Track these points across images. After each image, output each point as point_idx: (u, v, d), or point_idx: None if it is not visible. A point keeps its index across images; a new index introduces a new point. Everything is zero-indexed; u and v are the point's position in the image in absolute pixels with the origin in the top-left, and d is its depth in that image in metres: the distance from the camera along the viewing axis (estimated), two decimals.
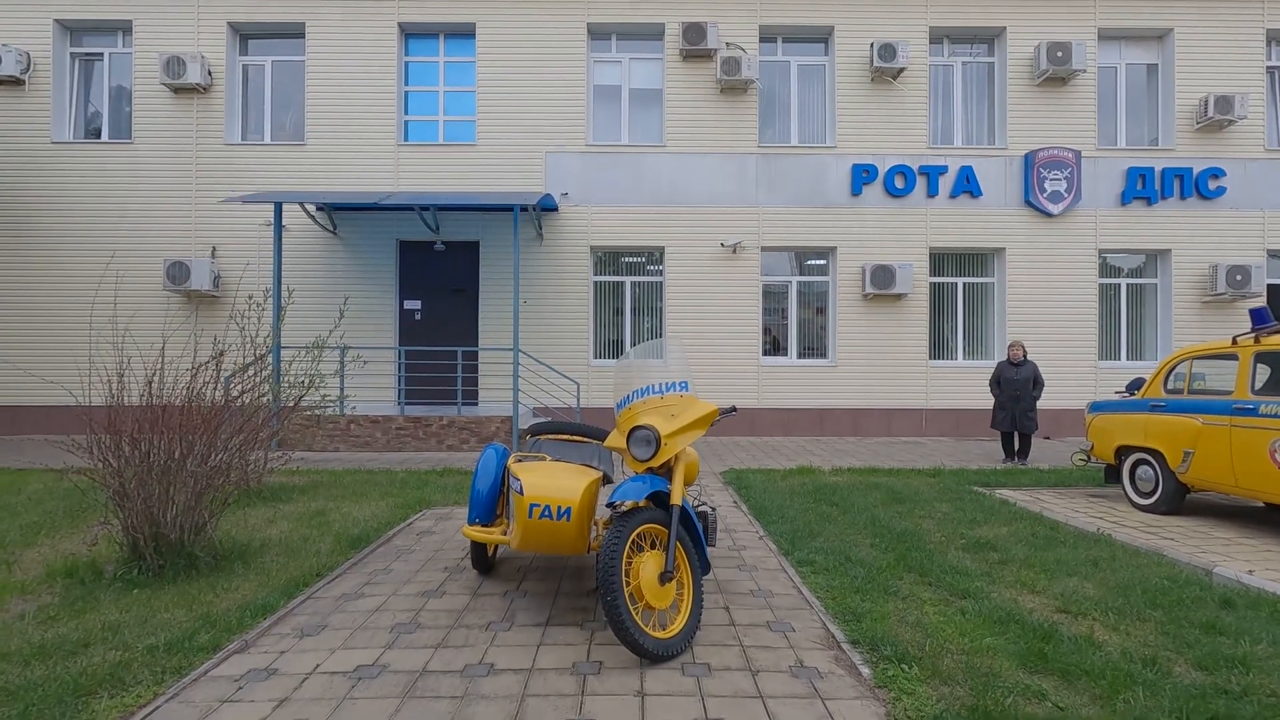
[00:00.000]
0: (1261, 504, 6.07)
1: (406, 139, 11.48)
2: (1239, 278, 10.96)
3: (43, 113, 11.14)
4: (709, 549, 3.81)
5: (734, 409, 3.67)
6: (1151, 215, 11.45)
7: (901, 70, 11.22)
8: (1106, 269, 11.73)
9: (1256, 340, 5.13)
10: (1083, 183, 11.37)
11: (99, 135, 11.49)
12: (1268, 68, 11.67)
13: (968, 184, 11.38)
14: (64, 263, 11.01)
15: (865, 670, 2.90)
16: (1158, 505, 5.76)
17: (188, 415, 4.35)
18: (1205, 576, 4.12)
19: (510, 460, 3.98)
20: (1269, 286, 11.57)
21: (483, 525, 3.97)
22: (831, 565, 4.31)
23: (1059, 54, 11.01)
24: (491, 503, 4.01)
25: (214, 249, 11.06)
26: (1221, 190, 11.37)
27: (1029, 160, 11.35)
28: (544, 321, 11.24)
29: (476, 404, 11.01)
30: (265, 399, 5.92)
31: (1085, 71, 11.34)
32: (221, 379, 4.90)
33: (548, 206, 10.96)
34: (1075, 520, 5.51)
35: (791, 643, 3.20)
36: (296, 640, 3.20)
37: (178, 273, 10.59)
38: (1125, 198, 11.40)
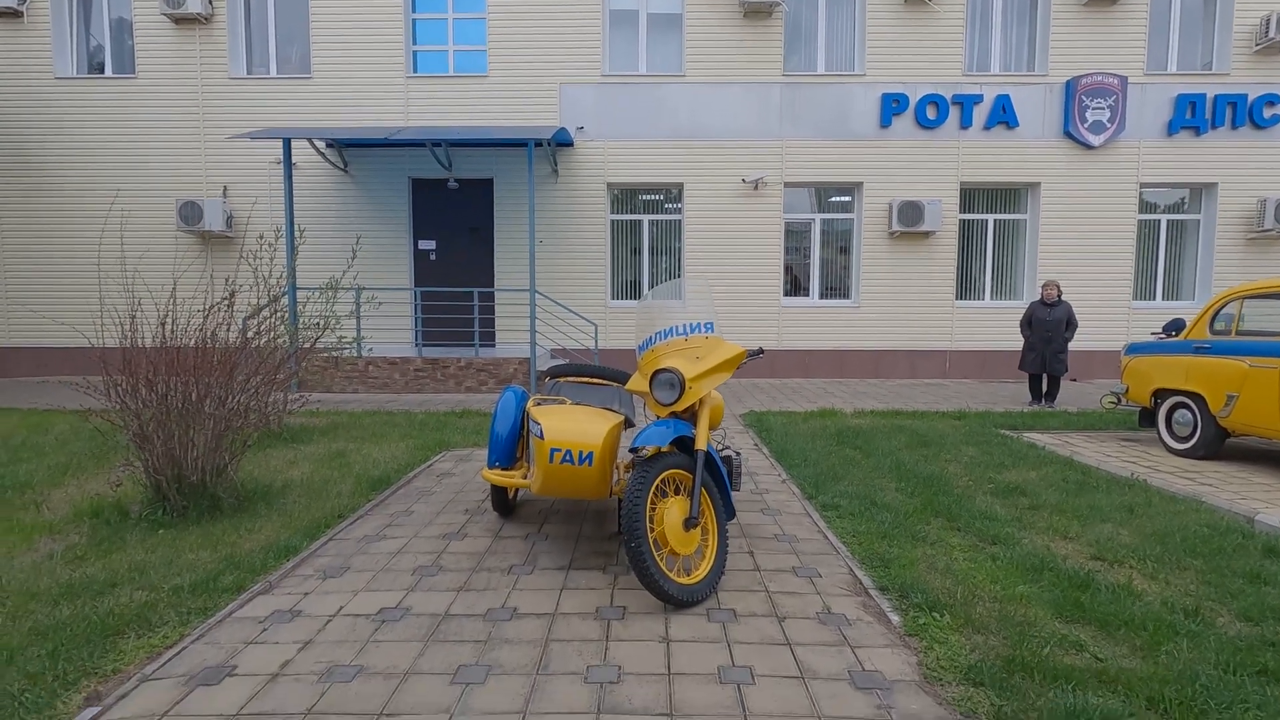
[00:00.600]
0: None
1: (415, 70, 11.04)
2: None
3: (43, 46, 10.82)
4: (733, 494, 3.73)
5: (761, 351, 3.52)
6: (1199, 146, 10.82)
7: None
8: (1145, 205, 11.19)
9: None
10: (1127, 111, 10.73)
11: (102, 70, 11.17)
12: None
13: (1004, 114, 10.78)
14: (74, 203, 10.90)
15: (895, 618, 2.84)
16: (1195, 450, 5.59)
17: (203, 357, 4.28)
18: (1247, 524, 3.99)
19: (529, 403, 3.89)
20: None
21: (503, 469, 3.92)
22: (856, 510, 4.23)
23: None
24: (511, 446, 3.95)
25: (225, 188, 10.87)
26: (1277, 119, 10.69)
27: (1070, 87, 10.70)
28: (560, 261, 11.02)
29: (494, 345, 10.94)
30: (282, 340, 5.86)
31: None
32: (235, 320, 4.82)
33: (563, 141, 10.58)
34: (1107, 465, 5.37)
35: (818, 588, 3.14)
36: (320, 582, 3.20)
37: (190, 213, 10.45)
38: (1172, 127, 10.76)
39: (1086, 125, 10.74)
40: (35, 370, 11.00)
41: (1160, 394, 6.01)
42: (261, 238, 7.17)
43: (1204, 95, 10.69)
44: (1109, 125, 10.73)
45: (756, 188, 10.91)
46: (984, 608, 2.90)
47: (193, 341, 4.37)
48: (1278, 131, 10.74)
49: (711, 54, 10.82)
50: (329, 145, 10.50)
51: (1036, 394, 8.56)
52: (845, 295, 11.39)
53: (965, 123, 10.83)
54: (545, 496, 4.10)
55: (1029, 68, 11.05)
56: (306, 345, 7.05)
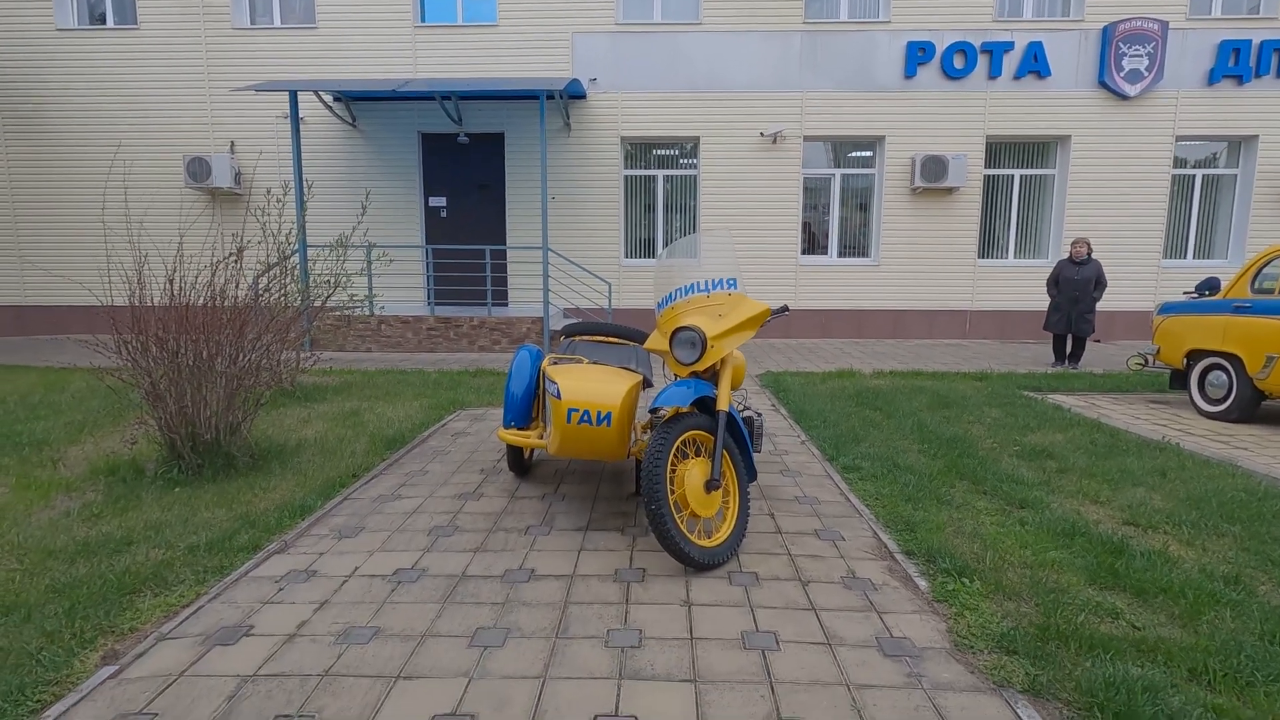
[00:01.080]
0: None
1: (423, 19, 10.68)
2: None
3: None
4: (754, 455, 3.64)
5: (786, 309, 3.38)
6: (1241, 96, 10.32)
7: None
8: (1178, 159, 10.75)
9: None
10: (1166, 59, 10.22)
11: (104, 21, 10.90)
12: None
13: (1035, 63, 10.31)
14: (81, 160, 10.76)
15: (922, 583, 2.76)
16: (1229, 412, 5.43)
17: (212, 315, 4.20)
18: None
19: (545, 362, 3.79)
20: None
21: (519, 429, 3.84)
22: (878, 472, 4.13)
23: None
24: (527, 406, 3.86)
25: (232, 144, 10.68)
26: None
27: (1107, 33, 10.18)
28: (573, 219, 10.80)
29: (506, 305, 10.83)
30: (293, 298, 5.78)
31: None
32: (245, 277, 4.73)
33: (575, 94, 10.26)
34: (1137, 427, 5.23)
35: (842, 552, 3.06)
36: (335, 542, 3.17)
37: (199, 170, 10.29)
38: (1214, 76, 10.26)
39: (1123, 74, 10.25)
40: (51, 328, 11.04)
41: (1194, 355, 5.82)
42: (270, 193, 7.04)
43: (1249, 41, 10.15)
44: (1146, 74, 10.24)
45: (775, 141, 10.58)
46: (1014, 574, 2.81)
47: (202, 299, 4.29)
48: None
49: (730, 1, 10.36)
50: (336, 99, 10.25)
51: (1060, 355, 8.35)
52: (864, 254, 11.13)
53: (994, 72, 10.38)
54: (562, 457, 4.04)
55: (1064, 12, 10.52)
56: (318, 303, 6.98)
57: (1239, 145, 10.68)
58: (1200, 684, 2.10)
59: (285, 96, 10.09)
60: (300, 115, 9.89)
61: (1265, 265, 5.37)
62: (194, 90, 10.64)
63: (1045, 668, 2.16)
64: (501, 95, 10.09)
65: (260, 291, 5.07)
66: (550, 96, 9.37)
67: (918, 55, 10.34)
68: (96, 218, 10.68)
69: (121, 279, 4.24)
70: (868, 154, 10.93)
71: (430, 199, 10.99)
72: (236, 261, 4.59)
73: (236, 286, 4.54)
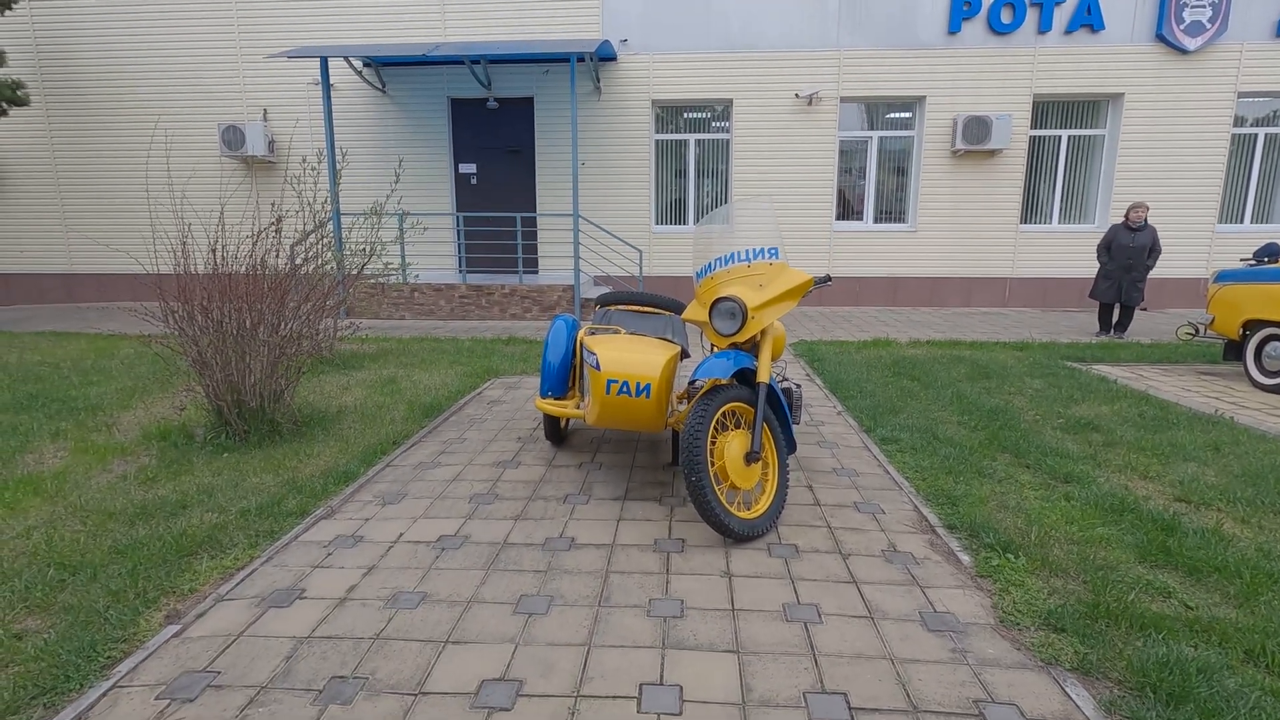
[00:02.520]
0: None
1: None
2: None
3: None
4: (793, 426, 3.61)
5: (829, 278, 3.31)
6: None
7: None
8: (1240, 118, 10.19)
9: None
10: (1232, 10, 9.62)
11: None
12: None
13: (1088, 15, 9.79)
14: (120, 129, 10.91)
15: (965, 558, 2.73)
16: None
17: (254, 284, 4.27)
18: None
19: (582, 332, 3.79)
20: None
21: (555, 398, 3.86)
22: (918, 444, 4.08)
23: None
24: (563, 376, 3.87)
25: (265, 112, 10.72)
26: None
27: None
28: (603, 185, 10.68)
29: (537, 272, 10.82)
30: (330, 267, 5.84)
31: None
32: (284, 246, 4.78)
33: (605, 56, 10.05)
34: (1187, 400, 5.06)
35: (882, 525, 3.04)
36: (379, 508, 3.24)
37: (233, 138, 10.37)
38: None
39: (1183, 27, 9.69)
40: (99, 295, 11.35)
41: (1251, 325, 5.58)
42: (304, 160, 7.07)
43: None
44: (1209, 26, 9.66)
45: (810, 103, 10.27)
46: (1061, 550, 2.77)
47: (243, 268, 4.35)
48: None
49: None
50: (366, 64, 10.20)
51: (1105, 324, 8.09)
52: (901, 219, 10.84)
53: (1044, 26, 9.88)
54: (599, 428, 4.05)
55: None
56: (354, 272, 7.05)
57: None
58: (1258, 666, 2.06)
59: (316, 63, 10.07)
60: (331, 82, 9.86)
61: None
62: (227, 58, 10.66)
63: (1095, 646, 2.13)
64: (531, 59, 9.94)
65: (299, 261, 5.12)
66: (580, 59, 9.21)
67: (963, 9, 9.89)
68: (137, 186, 10.88)
69: (165, 247, 4.32)
70: (907, 115, 10.56)
71: (460, 165, 10.95)
72: (276, 231, 4.63)
73: (276, 256, 4.59)
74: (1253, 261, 6.02)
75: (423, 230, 8.41)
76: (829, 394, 5.39)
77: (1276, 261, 5.75)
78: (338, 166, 7.69)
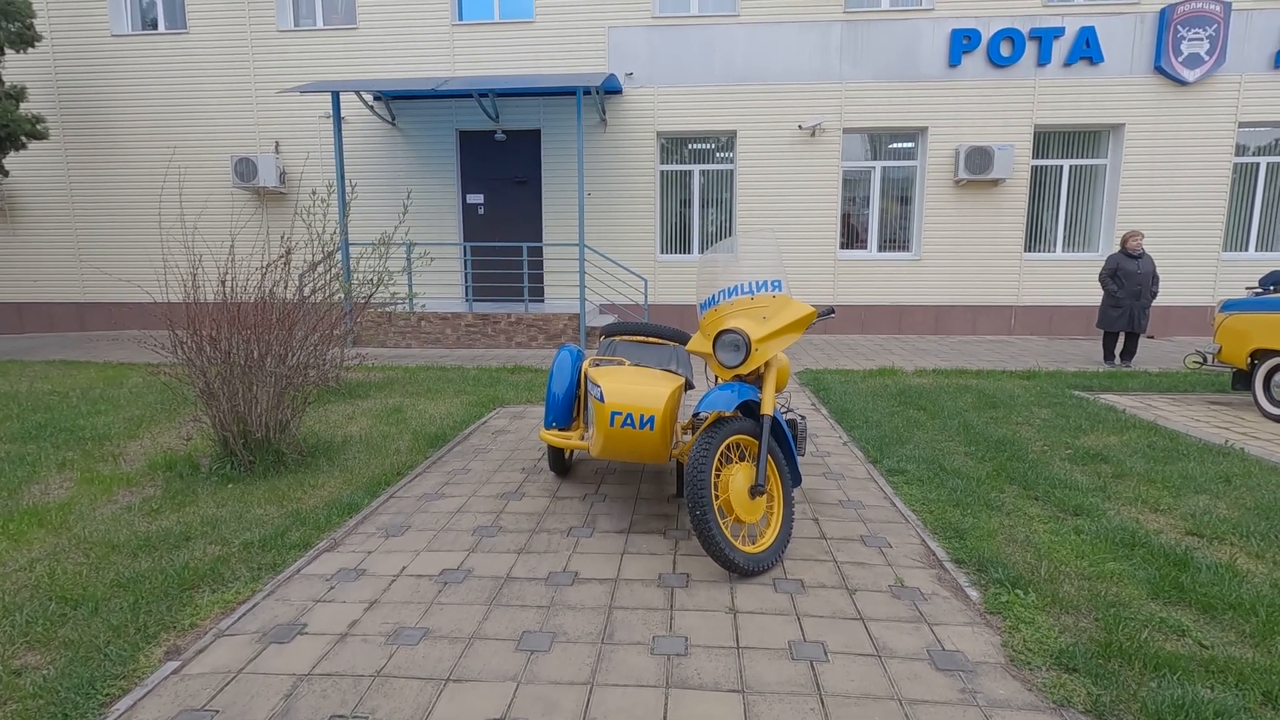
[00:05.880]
0: None
1: (461, 18, 10.77)
2: None
3: (100, 5, 10.91)
4: (798, 458, 3.60)
5: (833, 310, 3.32)
6: None
7: None
8: (1242, 146, 10.26)
9: None
10: (1229, 42, 9.75)
11: (155, 26, 11.24)
12: None
13: (1087, 49, 9.93)
14: (136, 161, 11.13)
15: (973, 594, 2.69)
16: None
17: (262, 315, 4.31)
18: None
19: (586, 364, 3.80)
20: None
21: (560, 429, 3.86)
22: (925, 475, 4.05)
23: None
24: (568, 406, 3.88)
25: (277, 144, 10.93)
26: None
27: (1165, 16, 9.76)
28: (609, 214, 10.80)
29: (543, 301, 10.90)
30: (337, 297, 5.90)
31: None
32: (292, 278, 4.84)
33: (611, 89, 10.23)
34: (1197, 430, 5.02)
35: (889, 560, 3.00)
36: (382, 540, 3.22)
37: (245, 170, 10.57)
38: (1279, 59, 9.75)
39: (1181, 59, 9.82)
40: (109, 324, 11.47)
41: (1259, 354, 5.55)
42: (314, 193, 7.19)
43: None
44: (1207, 58, 9.78)
45: (814, 134, 10.40)
46: (1071, 586, 2.73)
47: (252, 299, 4.40)
48: None
49: None
50: (376, 98, 10.41)
51: (1111, 353, 8.04)
52: (905, 248, 10.89)
53: (1043, 59, 10.03)
54: (604, 459, 4.04)
55: None
56: (361, 301, 7.11)
57: None
58: (1277, 709, 2.01)
59: (327, 97, 10.29)
60: (342, 115, 10.08)
61: None
62: (240, 92, 10.91)
63: (1108, 687, 2.09)
64: (539, 92, 10.14)
65: (307, 292, 5.17)
66: (587, 92, 9.37)
67: (962, 43, 10.06)
68: (150, 217, 11.06)
69: (176, 278, 4.38)
70: (909, 145, 10.68)
71: (468, 196, 11.10)
72: (285, 264, 4.69)
73: (285, 288, 4.65)
74: (1259, 290, 6.01)
75: (430, 260, 8.49)
76: (835, 424, 5.37)
77: None
78: (347, 198, 7.80)
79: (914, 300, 10.70)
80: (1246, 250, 10.51)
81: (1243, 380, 5.82)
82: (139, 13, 11.28)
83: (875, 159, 10.77)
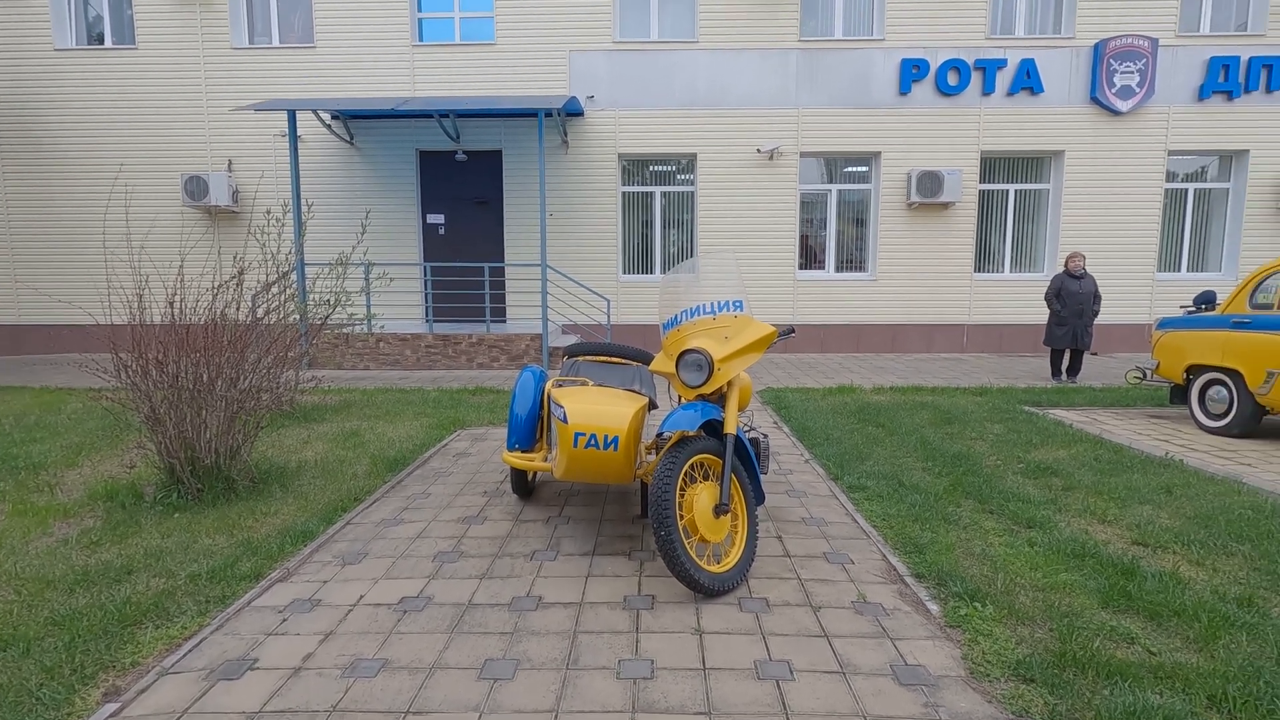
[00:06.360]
0: None
1: (421, 39, 10.75)
2: None
3: (42, 16, 10.59)
4: (761, 476, 3.62)
5: (793, 330, 3.38)
6: (1231, 111, 10.45)
7: None
8: (1170, 173, 10.85)
9: None
10: (1157, 76, 10.35)
11: (102, 40, 10.94)
12: None
13: (1028, 79, 10.42)
14: (79, 178, 10.76)
15: (934, 607, 2.74)
16: (1230, 428, 5.44)
17: (213, 337, 4.18)
18: None
19: (549, 384, 3.78)
20: None
21: (523, 451, 3.82)
22: (885, 491, 4.12)
23: None
24: (531, 428, 3.84)
25: (230, 162, 10.69)
26: None
27: (1099, 50, 10.31)
28: (571, 235, 10.83)
29: (505, 321, 10.82)
30: (292, 318, 5.75)
31: None
32: (245, 298, 4.71)
33: (573, 111, 10.32)
34: (1140, 443, 5.23)
35: (851, 576, 3.04)
36: (338, 569, 3.12)
37: (195, 188, 10.29)
38: (1204, 92, 10.39)
39: (1114, 90, 10.37)
40: (47, 348, 10.97)
41: (1194, 370, 5.83)
42: (269, 213, 7.04)
43: (1238, 58, 10.29)
44: (1138, 90, 10.36)
45: (772, 158, 10.64)
46: (1027, 597, 2.79)
47: (202, 320, 4.26)
48: None
49: (725, 19, 10.47)
50: (334, 117, 10.30)
51: (1058, 369, 8.35)
52: (861, 268, 11.17)
53: (988, 89, 10.49)
54: (568, 481, 4.00)
55: (1055, 30, 10.65)
56: (317, 322, 6.95)
57: (1230, 159, 10.79)
58: (1220, 712, 2.08)
59: (283, 115, 10.13)
60: (298, 134, 9.92)
61: (1263, 281, 5.40)
62: (192, 109, 10.66)
63: (1064, 697, 2.14)
64: (500, 114, 10.15)
65: (261, 314, 5.04)
66: (548, 114, 9.42)
67: (912, 73, 10.45)
68: (92, 236, 10.66)
69: (121, 299, 4.22)
70: (864, 169, 11.00)
71: (428, 216, 11.01)
72: (237, 285, 4.57)
73: (237, 309, 4.52)
74: (1192, 309, 6.32)
75: (389, 281, 8.36)
76: (796, 441, 5.43)
77: (1214, 309, 6.04)
78: (303, 217, 7.65)
79: (871, 319, 10.95)
80: (1179, 271, 11.07)
81: (1180, 394, 6.10)
82: (84, 27, 10.97)
83: (831, 182, 11.06)
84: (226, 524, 3.66)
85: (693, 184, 10.93)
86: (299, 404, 6.51)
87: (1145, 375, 6.59)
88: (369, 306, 9.12)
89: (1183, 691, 2.16)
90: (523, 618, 2.66)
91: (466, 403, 6.99)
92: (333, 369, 9.39)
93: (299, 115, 9.96)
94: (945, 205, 10.64)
